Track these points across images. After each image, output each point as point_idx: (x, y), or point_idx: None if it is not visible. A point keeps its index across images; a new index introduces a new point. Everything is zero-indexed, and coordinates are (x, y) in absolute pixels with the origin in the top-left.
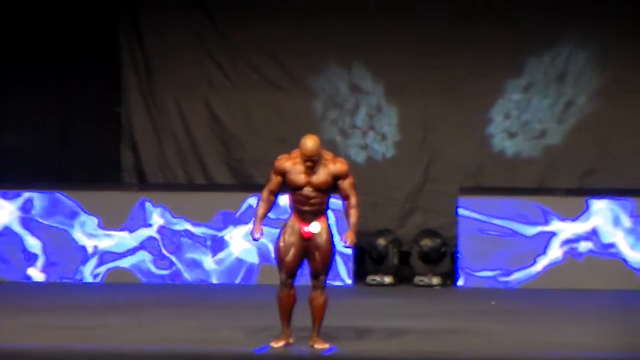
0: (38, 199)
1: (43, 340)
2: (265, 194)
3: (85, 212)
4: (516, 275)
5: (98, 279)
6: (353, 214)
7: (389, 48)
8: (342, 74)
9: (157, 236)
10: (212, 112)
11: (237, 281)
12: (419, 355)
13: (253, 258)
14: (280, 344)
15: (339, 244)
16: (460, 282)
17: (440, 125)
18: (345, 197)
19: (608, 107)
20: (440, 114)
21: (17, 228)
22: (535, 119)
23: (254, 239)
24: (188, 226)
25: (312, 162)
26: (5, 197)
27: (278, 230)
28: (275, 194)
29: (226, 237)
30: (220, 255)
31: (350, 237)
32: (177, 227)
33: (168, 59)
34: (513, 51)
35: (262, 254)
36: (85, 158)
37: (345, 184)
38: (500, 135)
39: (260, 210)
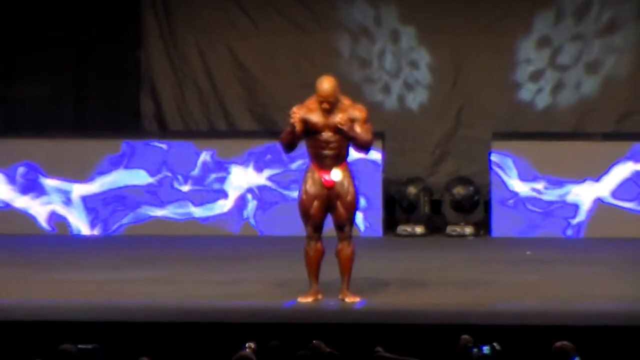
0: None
1: (63, 295)
2: None
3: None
4: (552, 224)
5: (121, 232)
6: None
7: None
8: (370, 15)
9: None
10: (235, 57)
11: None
12: (452, 307)
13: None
14: (309, 299)
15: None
16: (494, 232)
17: (473, 68)
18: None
19: None
20: (472, 57)
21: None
22: (570, 62)
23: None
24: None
25: (328, 104)
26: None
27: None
28: (298, 135)
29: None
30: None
31: (344, 120)
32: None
33: (188, 1)
34: None
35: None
36: (104, 105)
37: (362, 126)
38: (533, 78)
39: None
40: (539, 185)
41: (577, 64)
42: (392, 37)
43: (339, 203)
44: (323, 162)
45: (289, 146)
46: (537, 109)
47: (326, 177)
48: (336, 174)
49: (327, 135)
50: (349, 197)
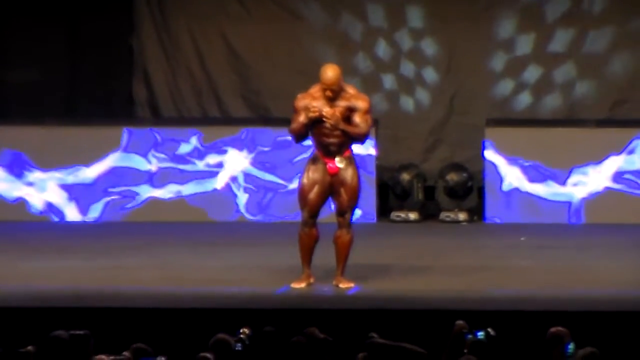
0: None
1: (55, 282)
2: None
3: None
4: (547, 210)
5: (112, 218)
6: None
7: None
8: (364, 2)
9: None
10: (228, 43)
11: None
12: (447, 293)
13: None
14: (302, 284)
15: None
16: (488, 218)
17: (466, 55)
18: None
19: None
20: (465, 44)
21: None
22: (561, 49)
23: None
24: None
25: (332, 92)
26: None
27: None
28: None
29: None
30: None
31: (330, 114)
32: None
33: None
34: None
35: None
36: (96, 92)
37: (361, 117)
38: (526, 65)
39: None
40: (533, 171)
41: (571, 50)
42: (385, 25)
43: (342, 190)
44: (327, 149)
45: (301, 136)
46: (530, 96)
47: (330, 164)
48: (341, 161)
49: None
50: (353, 185)
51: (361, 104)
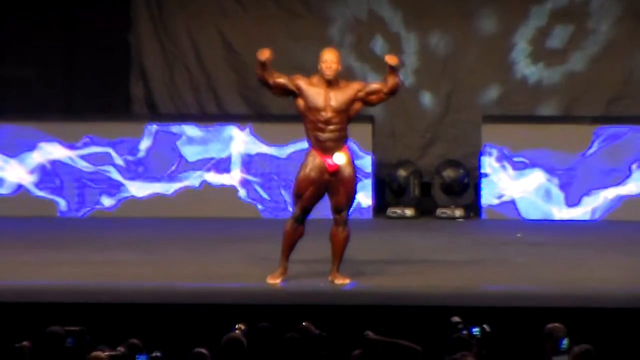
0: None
1: (51, 277)
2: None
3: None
4: (541, 206)
5: (110, 213)
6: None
7: None
8: (361, 0)
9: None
10: (225, 40)
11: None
12: (442, 289)
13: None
14: (277, 280)
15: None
16: (483, 214)
17: (462, 52)
18: (380, 89)
19: (633, 33)
20: (461, 41)
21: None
22: (558, 45)
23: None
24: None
25: (331, 70)
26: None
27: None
28: (275, 80)
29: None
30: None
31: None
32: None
33: None
34: None
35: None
36: (93, 89)
37: (370, 85)
38: (523, 62)
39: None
40: (529, 168)
41: (567, 47)
42: (382, 22)
43: (341, 188)
44: (324, 145)
45: (263, 83)
46: (527, 93)
47: (329, 161)
48: (339, 158)
49: (327, 115)
50: (351, 183)
51: (358, 84)
